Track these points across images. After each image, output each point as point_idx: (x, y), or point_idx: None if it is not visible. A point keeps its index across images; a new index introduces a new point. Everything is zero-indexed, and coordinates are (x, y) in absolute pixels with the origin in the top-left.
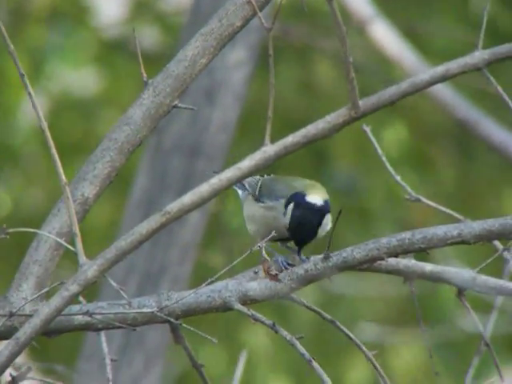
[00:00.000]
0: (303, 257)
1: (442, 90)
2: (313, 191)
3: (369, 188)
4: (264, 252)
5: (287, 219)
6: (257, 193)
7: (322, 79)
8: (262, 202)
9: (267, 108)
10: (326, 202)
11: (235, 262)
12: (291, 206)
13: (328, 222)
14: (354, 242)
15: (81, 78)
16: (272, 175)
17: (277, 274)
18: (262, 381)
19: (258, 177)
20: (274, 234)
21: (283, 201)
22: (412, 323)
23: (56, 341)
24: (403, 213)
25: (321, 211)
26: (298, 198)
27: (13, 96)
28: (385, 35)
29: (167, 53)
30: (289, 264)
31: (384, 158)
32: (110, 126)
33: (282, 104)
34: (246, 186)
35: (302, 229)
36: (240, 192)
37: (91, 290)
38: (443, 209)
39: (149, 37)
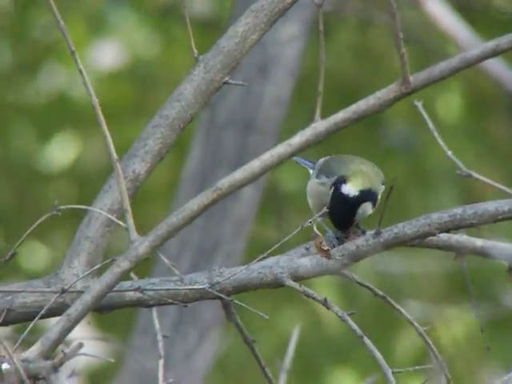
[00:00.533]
0: (363, 229)
1: (494, 64)
2: (355, 178)
3: (424, 148)
4: (315, 228)
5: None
6: (319, 169)
7: (378, 51)
8: (319, 179)
9: (317, 83)
10: (362, 191)
11: (287, 238)
12: (331, 191)
13: (367, 209)
14: (414, 204)
15: (142, 41)
16: (337, 155)
17: (328, 250)
18: (310, 359)
19: (328, 157)
20: (325, 209)
21: (333, 179)
22: (459, 300)
23: (110, 316)
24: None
25: (353, 202)
26: (336, 186)
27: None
28: (439, 10)
29: (221, 20)
30: (338, 239)
31: (436, 134)
32: (164, 91)
33: (338, 76)
34: (315, 166)
35: (336, 216)
36: (310, 171)
37: (145, 266)
38: (494, 184)
39: (202, 2)
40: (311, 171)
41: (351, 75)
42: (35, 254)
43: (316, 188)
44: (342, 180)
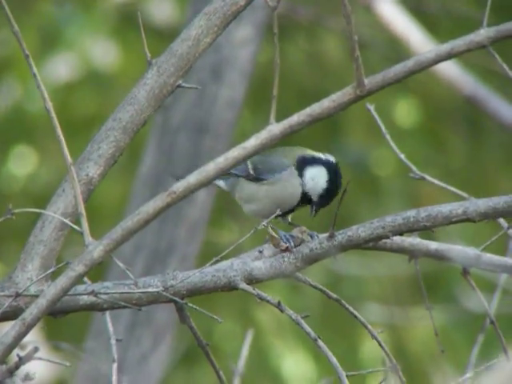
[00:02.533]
0: (312, 232)
1: (450, 68)
2: (312, 151)
3: (379, 162)
4: (270, 229)
5: (312, 184)
6: (252, 172)
7: (331, 55)
8: (265, 180)
9: (272, 86)
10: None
11: (240, 241)
12: (322, 171)
13: None
14: (366, 214)
15: (98, 50)
16: (264, 153)
17: (288, 246)
18: (277, 355)
19: (254, 158)
20: (279, 212)
21: (290, 170)
22: (416, 303)
23: (65, 320)
24: (413, 187)
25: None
26: (323, 161)
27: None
28: (392, 13)
29: (179, 28)
30: (292, 237)
31: (388, 137)
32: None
33: (293, 79)
34: (233, 172)
35: (338, 188)
36: (222, 182)
37: (98, 270)
38: (447, 187)
39: (161, 11)
40: (223, 182)
41: (305, 79)
42: None
43: (266, 190)
44: (314, 156)
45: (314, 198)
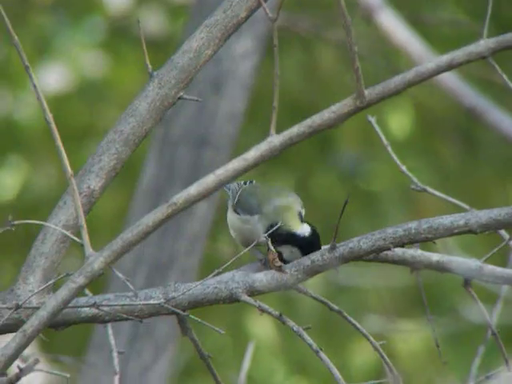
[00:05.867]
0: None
1: (449, 79)
2: (290, 218)
3: (375, 173)
4: (270, 243)
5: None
6: (234, 202)
7: (327, 68)
8: (238, 214)
9: (272, 98)
10: (309, 224)
11: (241, 254)
12: (295, 251)
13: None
14: (361, 227)
15: (90, 62)
16: (253, 183)
17: (281, 266)
18: (267, 370)
19: (241, 182)
20: (257, 241)
21: (257, 217)
22: (417, 314)
23: (65, 332)
24: (410, 198)
25: (315, 238)
26: (297, 240)
27: (19, 79)
28: (391, 24)
29: (172, 40)
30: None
31: (389, 148)
32: (116, 112)
33: (288, 92)
34: (229, 192)
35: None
36: (230, 193)
37: (99, 282)
38: (449, 199)
39: (154, 23)
40: (230, 193)
41: (301, 92)
42: None
43: (239, 224)
44: (288, 231)
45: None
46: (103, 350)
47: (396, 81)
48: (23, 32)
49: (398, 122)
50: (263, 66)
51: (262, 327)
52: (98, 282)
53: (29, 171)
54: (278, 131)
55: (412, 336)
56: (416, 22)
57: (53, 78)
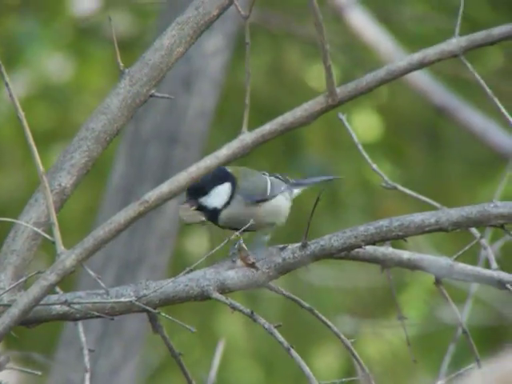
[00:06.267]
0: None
1: (419, 77)
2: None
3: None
4: (242, 240)
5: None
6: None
7: (293, 66)
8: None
9: (244, 96)
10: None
11: (213, 251)
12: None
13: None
14: (326, 228)
15: (55, 65)
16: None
17: (254, 263)
18: (235, 368)
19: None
20: (252, 222)
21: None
22: (386, 314)
23: (34, 329)
24: (373, 201)
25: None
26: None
27: None
28: (361, 22)
29: (141, 39)
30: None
31: (360, 147)
32: (83, 114)
33: (255, 93)
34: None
35: None
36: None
37: (69, 279)
38: (419, 196)
39: (122, 23)
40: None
41: (266, 91)
42: None
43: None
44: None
45: None
46: (73, 347)
47: (368, 79)
48: None
49: (365, 122)
50: (232, 64)
51: (230, 327)
52: (67, 280)
53: None
54: (247, 129)
55: (382, 336)
56: (385, 19)
57: (18, 82)
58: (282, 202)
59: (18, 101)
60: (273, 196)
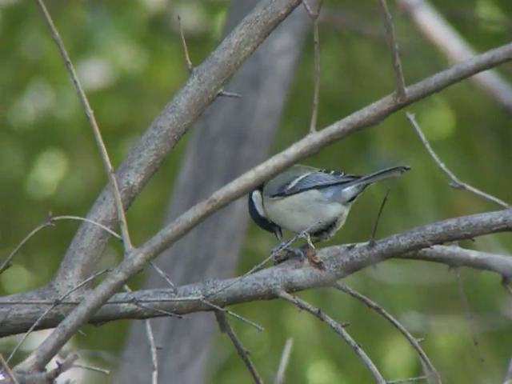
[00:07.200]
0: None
1: (488, 77)
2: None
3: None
4: (309, 239)
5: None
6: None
7: (364, 65)
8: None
9: (312, 95)
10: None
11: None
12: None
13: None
14: (394, 224)
15: (127, 58)
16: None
17: (321, 262)
18: (303, 365)
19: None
20: (319, 220)
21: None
22: (454, 312)
23: (103, 328)
24: (444, 197)
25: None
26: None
27: (59, 74)
28: (430, 21)
29: (209, 35)
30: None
31: (428, 146)
32: (153, 109)
33: (326, 89)
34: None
35: None
36: (258, 198)
37: (137, 278)
38: (487, 196)
39: (191, 18)
40: (259, 197)
41: (338, 88)
42: (19, 279)
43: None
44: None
45: None
46: (140, 346)
47: (436, 78)
48: (62, 27)
49: (435, 121)
50: (301, 62)
51: (299, 323)
52: (135, 278)
53: (67, 167)
54: (316, 128)
55: (451, 333)
56: (454, 20)
57: (92, 73)
58: (304, 200)
59: (91, 92)
60: (295, 192)
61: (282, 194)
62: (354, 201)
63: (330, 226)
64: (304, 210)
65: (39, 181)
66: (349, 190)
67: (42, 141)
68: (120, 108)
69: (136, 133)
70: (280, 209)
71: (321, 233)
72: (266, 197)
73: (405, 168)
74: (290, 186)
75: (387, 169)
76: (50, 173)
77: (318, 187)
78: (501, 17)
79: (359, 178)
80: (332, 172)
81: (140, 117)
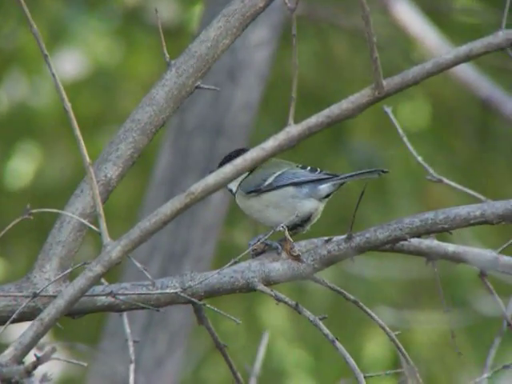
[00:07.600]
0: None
1: (466, 70)
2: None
3: (387, 162)
4: (287, 233)
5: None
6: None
7: (340, 57)
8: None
9: (290, 88)
10: None
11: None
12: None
13: None
14: (372, 216)
15: (102, 50)
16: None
17: (299, 255)
18: (279, 355)
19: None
20: (296, 213)
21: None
22: (430, 306)
23: (79, 320)
24: (422, 188)
25: None
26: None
27: (34, 67)
28: (408, 14)
29: (186, 27)
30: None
31: (405, 139)
32: (129, 101)
33: (302, 81)
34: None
35: None
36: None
37: (114, 271)
38: (465, 189)
39: (167, 11)
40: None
41: (315, 81)
42: None
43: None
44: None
45: None
46: (117, 339)
47: (414, 71)
48: (37, 17)
49: (412, 112)
50: (278, 55)
51: (277, 312)
52: (112, 270)
53: (42, 158)
54: (294, 120)
55: (429, 327)
56: (432, 12)
57: (68, 64)
58: (280, 196)
59: (66, 84)
60: (271, 188)
61: (259, 190)
62: (329, 197)
63: (305, 220)
64: (280, 206)
65: (16, 171)
66: (325, 188)
67: (18, 131)
68: (95, 99)
69: (111, 125)
70: (256, 205)
71: (295, 227)
72: (241, 192)
73: (383, 171)
74: (267, 183)
75: (365, 171)
76: (26, 163)
77: (295, 184)
78: (477, 8)
79: (336, 176)
80: (308, 168)
81: (115, 109)
